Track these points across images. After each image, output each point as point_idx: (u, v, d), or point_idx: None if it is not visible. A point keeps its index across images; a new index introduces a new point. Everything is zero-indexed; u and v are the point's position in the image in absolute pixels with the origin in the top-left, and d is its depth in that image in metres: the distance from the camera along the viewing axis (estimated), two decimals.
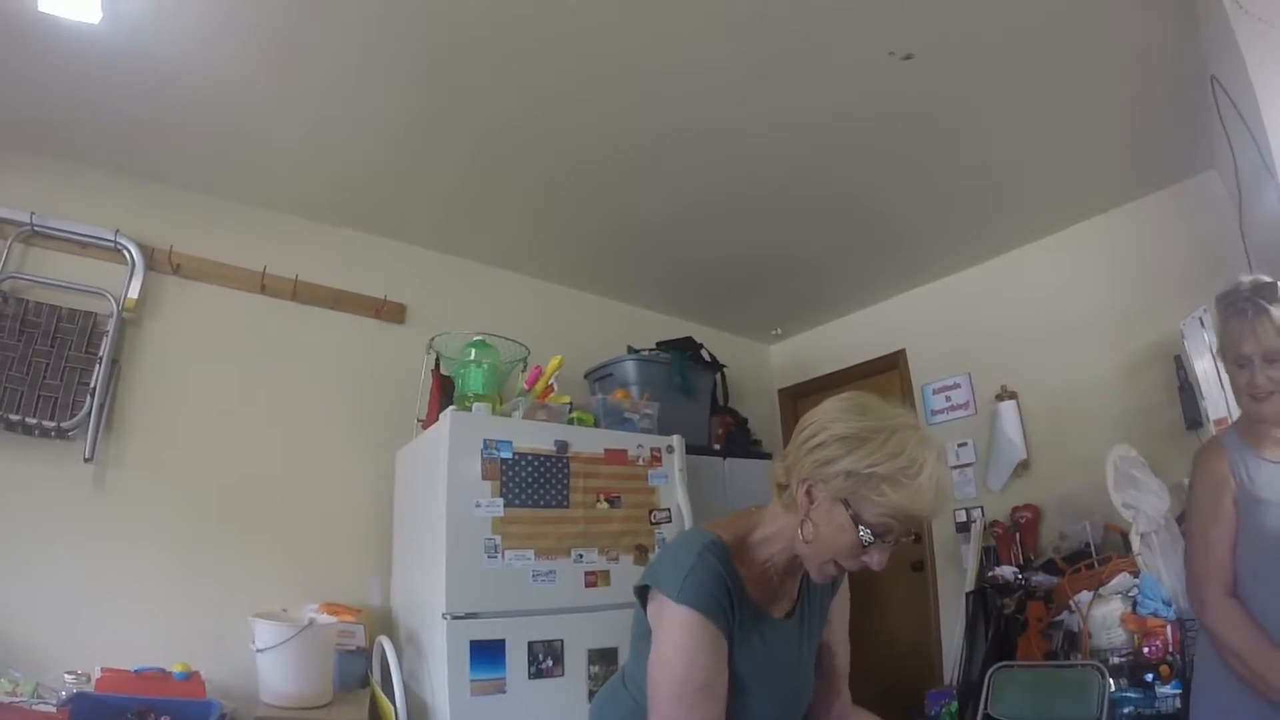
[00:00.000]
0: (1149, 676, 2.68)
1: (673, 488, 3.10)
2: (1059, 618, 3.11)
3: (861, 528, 1.18)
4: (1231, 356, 1.77)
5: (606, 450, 2.97)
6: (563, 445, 2.86)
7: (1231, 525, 1.74)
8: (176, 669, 2.46)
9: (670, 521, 3.04)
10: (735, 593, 1.27)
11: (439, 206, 3.56)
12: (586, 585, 2.79)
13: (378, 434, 3.42)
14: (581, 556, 2.80)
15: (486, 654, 2.53)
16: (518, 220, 3.70)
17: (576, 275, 4.36)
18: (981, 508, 3.97)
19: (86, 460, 2.77)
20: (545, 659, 2.63)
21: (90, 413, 2.78)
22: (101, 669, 2.40)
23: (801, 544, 1.26)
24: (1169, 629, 2.69)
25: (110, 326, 2.90)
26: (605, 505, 2.90)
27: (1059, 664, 2.93)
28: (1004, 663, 3.04)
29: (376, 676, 2.89)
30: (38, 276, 2.85)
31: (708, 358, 4.38)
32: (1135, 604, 2.84)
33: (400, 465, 3.34)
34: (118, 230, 2.98)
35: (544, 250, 4.04)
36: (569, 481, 2.84)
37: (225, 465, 3.10)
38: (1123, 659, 2.77)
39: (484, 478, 2.65)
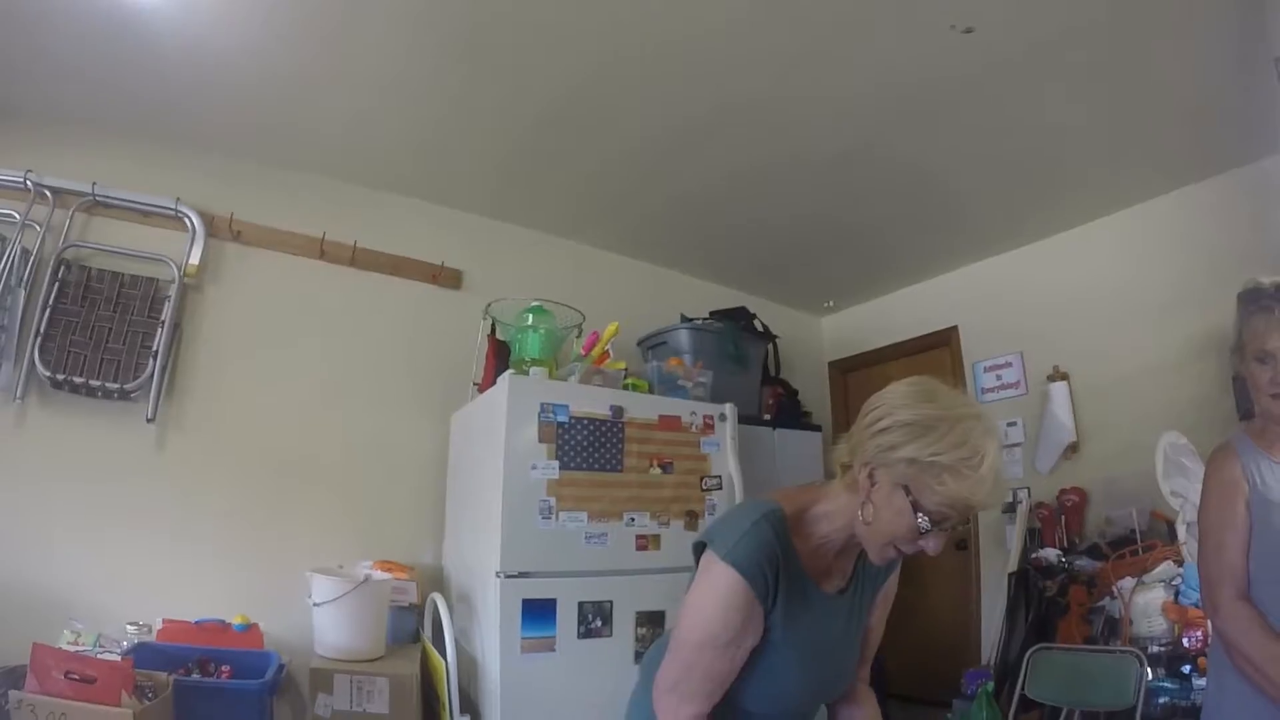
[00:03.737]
0: (1186, 668, 2.69)
1: (724, 455, 3.13)
2: (1100, 603, 3.12)
3: (920, 514, 1.20)
4: (1253, 352, 1.75)
5: (660, 416, 3.00)
6: (618, 410, 2.89)
7: (1244, 529, 1.74)
8: (236, 621, 2.59)
9: (720, 489, 3.08)
10: (785, 564, 1.32)
11: (492, 173, 3.59)
12: (637, 549, 2.84)
13: (433, 397, 3.51)
14: (633, 520, 2.84)
15: (538, 613, 2.59)
16: (570, 187, 3.74)
17: (629, 243, 4.39)
18: (1028, 489, 3.97)
19: (149, 421, 2.89)
20: (595, 619, 2.69)
21: (152, 375, 2.89)
22: (163, 620, 2.53)
23: (861, 525, 1.29)
24: (1210, 622, 2.67)
25: (172, 292, 3.00)
26: (658, 470, 2.94)
27: (1097, 649, 2.94)
28: (1043, 644, 3.05)
29: (427, 633, 2.99)
30: (100, 245, 2.95)
31: (760, 328, 4.41)
32: (1178, 593, 2.84)
33: (455, 428, 3.42)
34: (178, 199, 3.08)
35: (596, 218, 4.08)
36: (623, 446, 2.88)
37: (283, 426, 3.21)
38: (1162, 648, 2.78)
39: (540, 440, 2.70)
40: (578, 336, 3.36)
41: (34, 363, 2.73)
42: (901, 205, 3.87)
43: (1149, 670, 2.68)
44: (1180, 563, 2.91)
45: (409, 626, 3.03)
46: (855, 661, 1.51)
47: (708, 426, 3.12)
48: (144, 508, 2.87)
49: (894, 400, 1.28)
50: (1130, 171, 3.54)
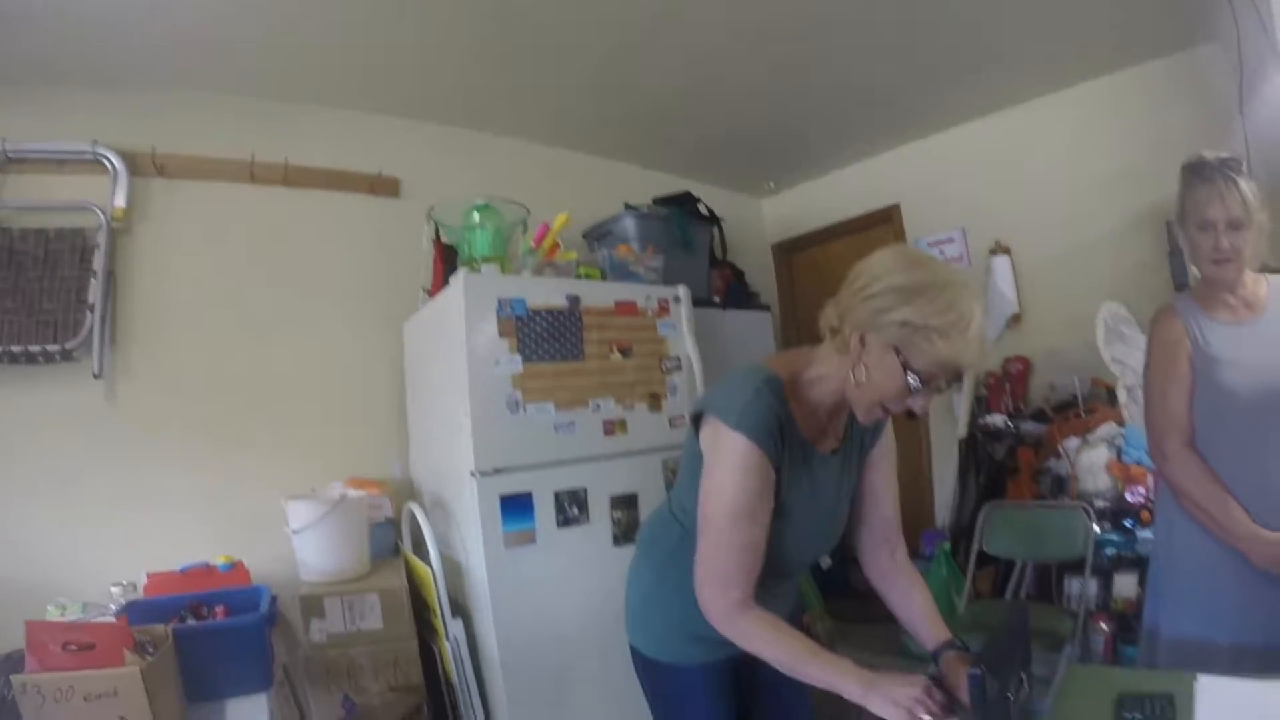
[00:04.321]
0: (1129, 522, 2.87)
1: (681, 337, 3.14)
2: (1047, 464, 3.28)
3: (910, 374, 1.26)
4: (1195, 221, 1.82)
5: (617, 303, 2.98)
6: (574, 300, 2.86)
7: (1187, 383, 1.85)
8: (220, 561, 2.56)
9: (680, 369, 3.11)
10: (787, 427, 1.37)
11: (421, 77, 3.40)
12: (605, 434, 2.86)
13: (383, 309, 3.41)
14: (599, 407, 2.85)
15: (516, 507, 2.61)
16: (502, 84, 3.57)
17: (565, 136, 4.24)
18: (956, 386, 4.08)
19: (96, 377, 2.76)
20: (571, 508, 2.72)
21: (92, 329, 2.74)
22: (147, 575, 2.47)
23: (852, 387, 1.34)
24: (1150, 478, 2.84)
25: (101, 239, 2.81)
26: (618, 356, 2.94)
27: (1048, 504, 3.11)
28: (996, 500, 3.22)
29: (407, 544, 3.02)
30: (20, 203, 2.75)
31: (704, 212, 4.37)
32: (1120, 452, 3.00)
33: (409, 337, 3.36)
34: (95, 141, 2.85)
35: (530, 111, 3.90)
36: (582, 334, 2.86)
37: (235, 359, 3.10)
38: (1106, 504, 2.95)
39: (500, 335, 2.66)
40: (525, 231, 3.27)
41: None
42: (839, 82, 3.79)
43: (1096, 524, 2.85)
44: (1121, 424, 3.07)
45: (388, 541, 3.04)
46: (845, 518, 1.57)
47: (663, 310, 3.11)
48: (106, 466, 2.78)
49: (883, 266, 1.31)
50: (1069, 53, 3.54)
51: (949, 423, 4.09)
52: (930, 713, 1.25)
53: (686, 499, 1.47)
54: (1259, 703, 1.37)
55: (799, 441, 1.41)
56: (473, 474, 2.57)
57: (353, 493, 2.81)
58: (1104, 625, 2.85)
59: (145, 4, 2.55)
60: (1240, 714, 1.35)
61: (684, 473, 1.56)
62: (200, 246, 3.11)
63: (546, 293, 2.82)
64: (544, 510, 2.68)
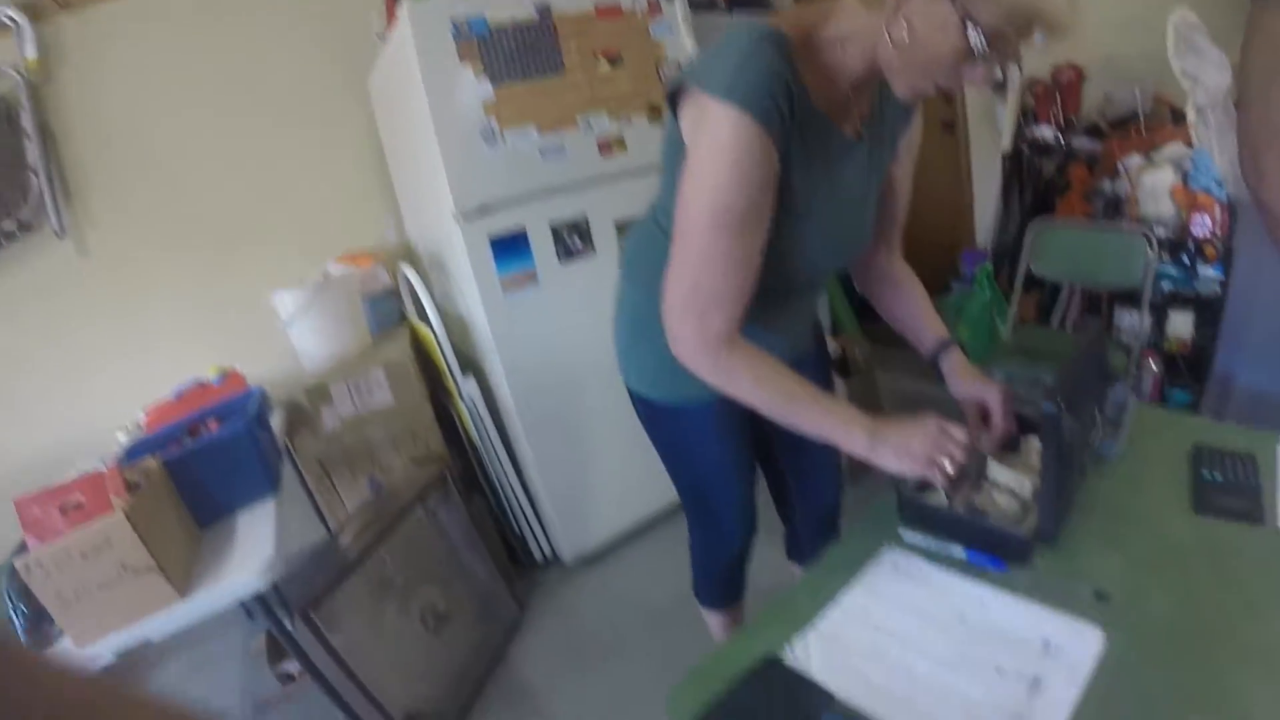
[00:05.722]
0: (1187, 257, 2.59)
1: (679, 39, 2.73)
2: (1101, 183, 2.95)
3: (971, 29, 0.91)
4: None
5: (597, 7, 2.55)
6: (544, 9, 2.44)
7: None
8: (211, 374, 2.42)
9: None
10: (797, 98, 1.02)
11: None
12: (601, 154, 2.57)
13: (343, 73, 3.01)
14: (590, 124, 2.53)
15: (509, 247, 2.43)
16: None
17: None
18: (1018, 64, 3.59)
19: (60, 236, 2.59)
20: (572, 239, 2.53)
21: (42, 192, 2.54)
22: (144, 411, 2.35)
23: (887, 49, 0.99)
24: (1219, 210, 2.51)
25: (24, 98, 2.51)
26: (607, 66, 2.56)
27: (1105, 226, 2.78)
28: (1045, 218, 2.90)
29: (410, 309, 2.86)
30: None
31: None
32: (1186, 177, 2.64)
33: (375, 92, 2.98)
34: None
35: None
36: (559, 45, 2.47)
37: (198, 174, 2.82)
38: (1167, 233, 2.64)
39: (462, 60, 2.30)
40: None
41: None
42: None
43: (1154, 253, 2.58)
44: (1191, 146, 2.70)
45: (393, 312, 2.88)
46: (873, 225, 1.28)
47: (653, 9, 2.66)
48: (95, 318, 2.68)
49: None
50: None
51: (992, 137, 3.66)
52: (955, 461, 1.07)
53: (671, 202, 1.11)
54: None
55: (814, 116, 1.06)
56: (456, 218, 2.34)
57: (337, 269, 2.59)
58: (1153, 364, 2.68)
59: None
60: None
61: (664, 168, 1.21)
62: (129, 73, 2.72)
63: (510, 6, 2.39)
64: (542, 246, 2.49)
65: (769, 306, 1.20)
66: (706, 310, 1.07)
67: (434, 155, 2.32)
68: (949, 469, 1.08)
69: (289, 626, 1.77)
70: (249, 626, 2.60)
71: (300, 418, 2.51)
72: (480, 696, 2.31)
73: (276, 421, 2.33)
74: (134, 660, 2.65)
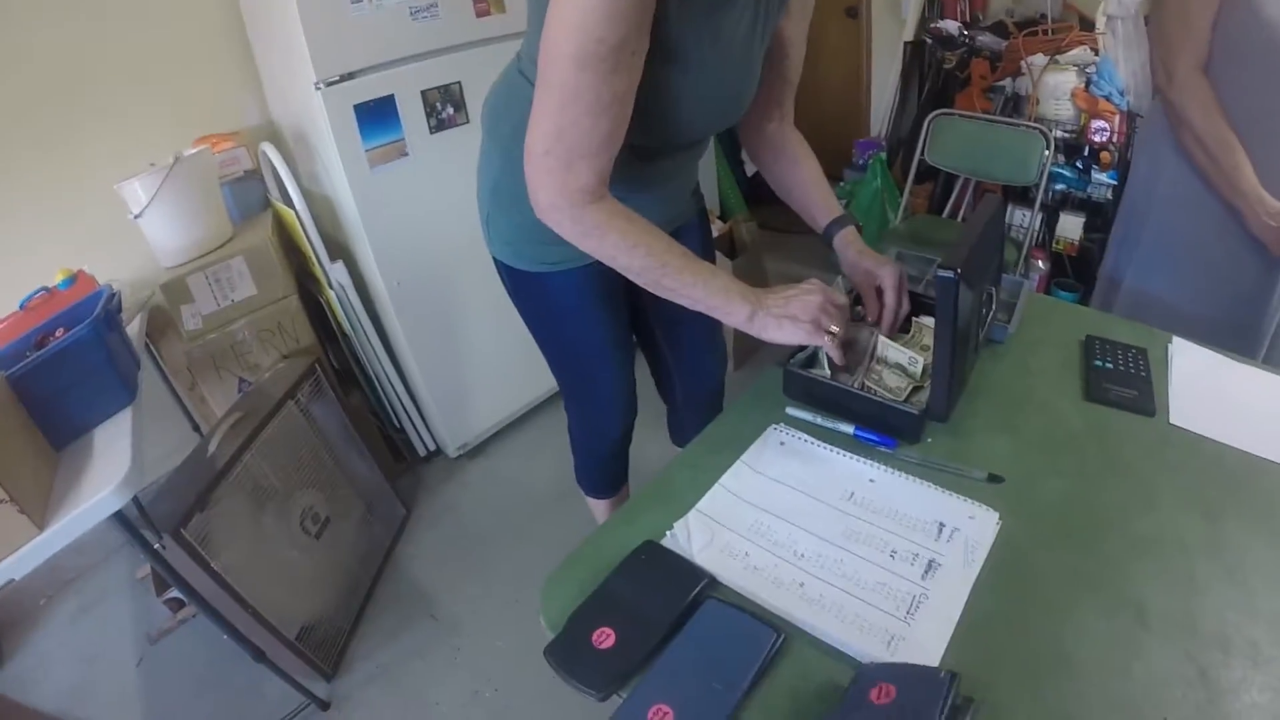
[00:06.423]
0: (1081, 162, 2.61)
1: None
2: (1003, 81, 2.93)
3: None
4: None
5: None
6: None
7: None
8: (58, 279, 2.16)
9: None
10: None
11: None
12: (478, 15, 2.37)
13: None
14: None
15: (376, 116, 2.24)
16: None
17: None
18: None
19: None
20: (445, 108, 2.35)
21: None
22: None
23: None
24: (1119, 119, 2.54)
25: None
26: None
27: (1003, 119, 2.76)
28: (944, 109, 2.87)
29: (275, 193, 2.60)
30: None
31: None
32: (1089, 82, 2.64)
33: None
34: None
35: None
36: None
37: (28, 59, 2.36)
38: (1067, 134, 2.66)
39: None
40: None
41: None
42: None
43: (1051, 153, 2.58)
44: (1096, 52, 2.68)
45: (257, 196, 2.62)
46: (756, 83, 1.17)
47: None
48: None
49: None
50: None
51: (895, 24, 3.61)
52: (837, 322, 1.03)
53: (536, 48, 0.96)
54: (1230, 382, 1.20)
55: None
56: (317, 86, 2.13)
57: (189, 151, 2.34)
58: (1040, 263, 2.71)
59: None
60: (1212, 393, 1.17)
61: (531, 11, 1.07)
62: None
63: None
64: (411, 115, 2.30)
65: (645, 168, 1.12)
66: (571, 160, 0.95)
67: (293, 16, 2.09)
68: (835, 331, 1.03)
69: (159, 547, 1.65)
70: (132, 554, 2.46)
71: (161, 319, 2.31)
72: (372, 601, 2.25)
73: (135, 326, 2.13)
74: (19, 609, 2.49)
